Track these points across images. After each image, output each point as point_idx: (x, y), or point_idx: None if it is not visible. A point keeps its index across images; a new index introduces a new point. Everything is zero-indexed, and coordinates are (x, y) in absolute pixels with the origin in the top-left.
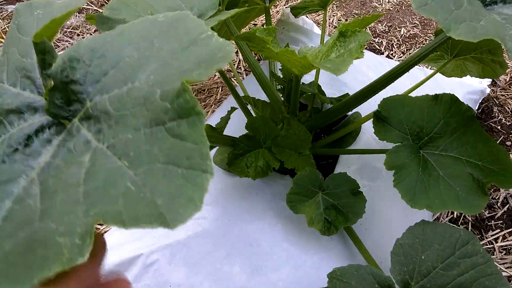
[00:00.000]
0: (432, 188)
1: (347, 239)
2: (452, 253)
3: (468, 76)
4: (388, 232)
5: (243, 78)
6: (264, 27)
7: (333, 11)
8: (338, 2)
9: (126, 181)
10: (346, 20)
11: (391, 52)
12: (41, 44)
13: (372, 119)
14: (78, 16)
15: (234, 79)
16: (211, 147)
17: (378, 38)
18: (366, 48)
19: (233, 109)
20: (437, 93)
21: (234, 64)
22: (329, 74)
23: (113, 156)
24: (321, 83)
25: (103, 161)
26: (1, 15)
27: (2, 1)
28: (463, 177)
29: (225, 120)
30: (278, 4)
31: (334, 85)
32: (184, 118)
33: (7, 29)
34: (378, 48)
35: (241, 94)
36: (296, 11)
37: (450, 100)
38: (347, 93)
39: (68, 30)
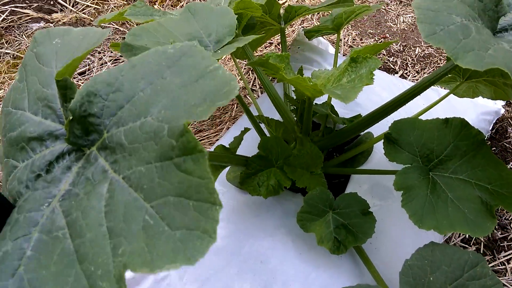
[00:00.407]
0: (440, 210)
1: (357, 257)
2: (460, 275)
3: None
4: (398, 252)
5: (258, 96)
6: (277, 53)
7: (348, 30)
8: (353, 22)
9: (144, 214)
10: (361, 39)
11: (406, 72)
12: (63, 81)
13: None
14: None
15: (249, 97)
16: (224, 167)
17: (392, 57)
18: (380, 68)
19: (246, 129)
20: (448, 116)
21: (250, 83)
22: None
23: (129, 188)
24: (334, 103)
25: (120, 193)
26: (26, 33)
27: (27, 19)
28: (471, 199)
29: (238, 140)
30: (294, 24)
31: (348, 105)
32: (188, 155)
33: None
34: (393, 67)
35: (255, 112)
36: (310, 34)
37: (460, 124)
38: (360, 113)
39: None
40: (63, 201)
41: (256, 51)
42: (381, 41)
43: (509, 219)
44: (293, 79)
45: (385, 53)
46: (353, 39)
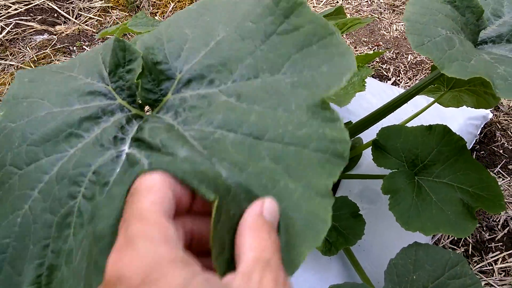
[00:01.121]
0: (425, 212)
1: (346, 260)
2: (442, 274)
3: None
4: (386, 254)
5: None
6: None
7: (344, 38)
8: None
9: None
10: (355, 47)
11: (398, 78)
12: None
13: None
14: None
15: None
16: None
17: (386, 64)
18: (373, 75)
19: None
20: (438, 121)
21: None
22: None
23: (249, 80)
24: None
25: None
26: (30, 45)
27: (31, 32)
28: (454, 202)
29: None
30: None
31: (339, 111)
32: (290, 16)
33: (35, 59)
34: (386, 74)
35: None
36: None
37: (443, 131)
38: (350, 121)
39: None
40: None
41: None
42: (375, 49)
43: (497, 221)
44: None
45: (378, 60)
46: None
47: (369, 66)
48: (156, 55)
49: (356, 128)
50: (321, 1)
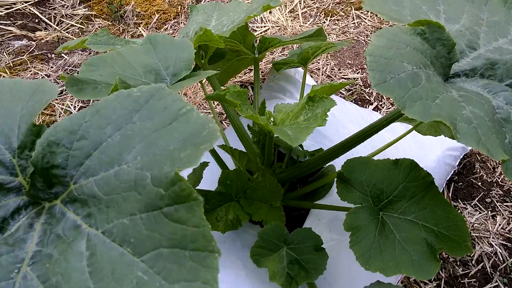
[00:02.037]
0: (387, 251)
1: None
2: None
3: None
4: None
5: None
6: (236, 89)
7: (327, 60)
8: (332, 52)
9: (136, 270)
10: (339, 69)
11: (380, 103)
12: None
13: None
14: (81, 54)
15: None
16: None
17: (368, 88)
18: (355, 99)
19: (204, 164)
20: (414, 151)
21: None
22: None
23: (112, 243)
24: None
25: (103, 249)
26: (7, 50)
27: (10, 37)
28: (418, 241)
29: (197, 175)
30: (275, 51)
31: (315, 137)
32: (181, 203)
33: (11, 65)
34: (368, 98)
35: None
36: (278, 66)
37: (410, 166)
38: (321, 147)
39: (69, 68)
40: (34, 264)
41: (235, 77)
42: (359, 71)
43: (471, 256)
44: (248, 116)
45: (361, 84)
46: (332, 69)
47: (351, 88)
48: (56, 156)
49: (327, 156)
50: (308, 21)
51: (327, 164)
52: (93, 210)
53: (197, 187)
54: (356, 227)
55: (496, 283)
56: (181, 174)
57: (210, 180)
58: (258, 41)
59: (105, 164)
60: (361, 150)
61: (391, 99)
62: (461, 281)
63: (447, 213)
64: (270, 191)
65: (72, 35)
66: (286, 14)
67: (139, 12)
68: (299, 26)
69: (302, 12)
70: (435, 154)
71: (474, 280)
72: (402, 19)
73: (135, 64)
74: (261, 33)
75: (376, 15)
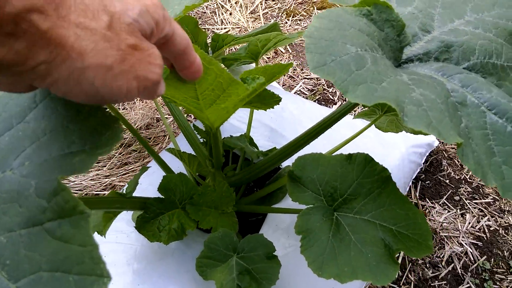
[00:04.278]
0: (342, 255)
1: None
2: None
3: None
4: None
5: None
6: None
7: (288, 59)
8: (295, 52)
9: None
10: (302, 69)
11: (345, 102)
12: None
13: None
14: None
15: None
16: (117, 213)
17: (332, 88)
18: (318, 99)
19: (144, 169)
20: (377, 148)
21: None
22: (268, 126)
23: None
24: (259, 135)
25: None
26: None
27: None
28: (375, 242)
29: (134, 181)
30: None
31: (273, 137)
32: (65, 218)
33: None
34: (332, 98)
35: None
36: (228, 62)
37: (364, 161)
38: (275, 147)
39: None
40: None
41: None
42: None
43: (441, 257)
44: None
45: (324, 83)
46: (294, 69)
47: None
48: None
49: (282, 153)
50: (269, 21)
51: (284, 165)
52: None
53: (140, 195)
54: (308, 230)
55: (468, 285)
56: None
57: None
58: (211, 39)
59: None
60: (321, 149)
61: None
62: (432, 284)
63: (406, 210)
64: (221, 196)
65: None
66: (246, 15)
67: None
68: (260, 27)
69: (264, 13)
70: (399, 151)
71: (445, 282)
72: (349, 2)
73: None
74: (225, 32)
75: None
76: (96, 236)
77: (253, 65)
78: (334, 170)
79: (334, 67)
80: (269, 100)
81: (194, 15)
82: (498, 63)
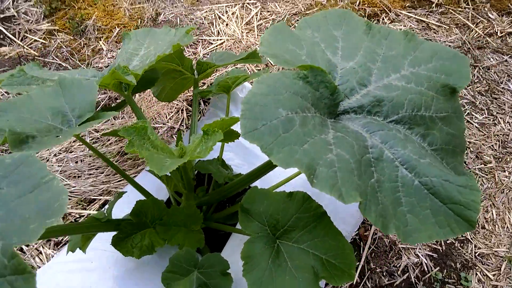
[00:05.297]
0: (278, 279)
1: None
2: None
3: None
4: None
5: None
6: (133, 126)
7: (280, 69)
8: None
9: None
10: None
11: None
12: None
13: None
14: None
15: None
16: (93, 236)
17: None
18: None
19: (120, 194)
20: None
21: (178, 122)
22: (243, 145)
23: None
24: (234, 154)
25: None
26: None
27: None
28: (306, 269)
29: (110, 209)
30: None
31: (247, 159)
32: (20, 274)
33: None
34: None
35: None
36: (204, 93)
37: (303, 198)
38: (240, 173)
39: None
40: None
41: (189, 91)
42: None
43: (397, 266)
44: (145, 157)
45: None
46: None
47: None
48: None
49: (246, 179)
50: (263, 33)
51: (253, 185)
52: None
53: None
54: (250, 256)
55: None
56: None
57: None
58: (196, 63)
59: None
60: (280, 174)
61: None
62: None
63: (337, 242)
64: (188, 216)
65: (35, 51)
66: (242, 26)
67: (100, 26)
68: (254, 39)
69: (258, 24)
70: None
71: None
72: (295, 61)
73: (43, 107)
74: (216, 46)
75: None
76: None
77: (247, 83)
78: (278, 205)
79: (263, 132)
80: (232, 136)
81: (193, 25)
82: (426, 115)
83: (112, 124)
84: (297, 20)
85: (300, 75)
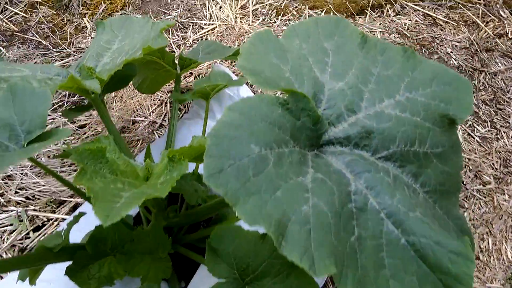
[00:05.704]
0: None
1: None
2: None
3: None
4: None
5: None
6: (87, 147)
7: None
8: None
9: None
10: None
11: None
12: None
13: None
14: None
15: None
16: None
17: None
18: None
19: (80, 214)
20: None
21: (160, 117)
22: None
23: None
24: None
25: None
26: None
27: None
28: None
29: (66, 235)
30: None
31: None
32: None
33: None
34: None
35: None
36: (181, 100)
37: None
38: (215, 194)
39: None
40: None
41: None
42: None
43: None
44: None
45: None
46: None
47: None
48: None
49: (221, 203)
50: (258, 19)
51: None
52: None
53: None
54: None
55: None
56: None
57: None
58: (178, 57)
59: None
60: None
61: None
62: None
63: None
64: (155, 241)
65: (14, 25)
66: (236, 11)
67: (85, 1)
68: (248, 25)
69: (253, 9)
70: None
71: None
72: (276, 80)
73: None
74: (208, 31)
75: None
76: None
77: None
78: (249, 246)
79: (230, 174)
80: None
81: (184, 7)
82: (420, 151)
83: (90, 115)
84: (295, 7)
85: (280, 101)
